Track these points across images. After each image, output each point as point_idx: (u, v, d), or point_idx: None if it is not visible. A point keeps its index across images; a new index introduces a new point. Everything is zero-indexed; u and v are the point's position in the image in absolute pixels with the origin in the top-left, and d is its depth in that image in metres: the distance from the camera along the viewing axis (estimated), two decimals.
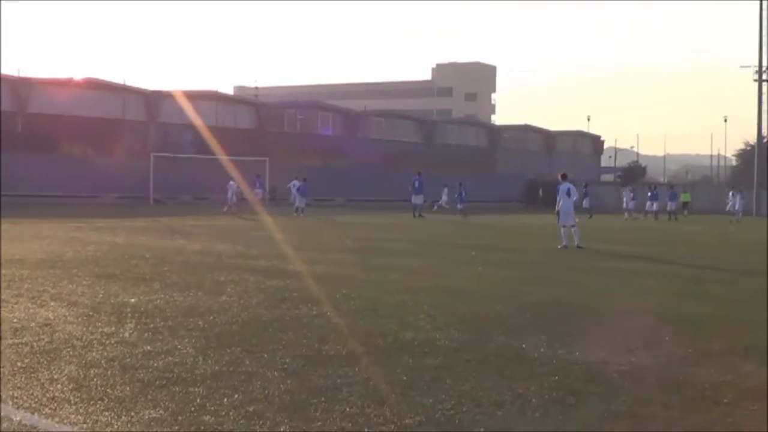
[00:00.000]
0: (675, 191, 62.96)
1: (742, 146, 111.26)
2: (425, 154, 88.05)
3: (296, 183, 52.39)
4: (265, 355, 9.25)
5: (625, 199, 61.43)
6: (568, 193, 27.32)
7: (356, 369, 8.70)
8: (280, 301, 13.43)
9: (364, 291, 14.85)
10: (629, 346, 10.12)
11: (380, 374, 8.49)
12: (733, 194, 60.40)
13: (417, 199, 51.49)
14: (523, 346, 10.03)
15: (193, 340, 10.02)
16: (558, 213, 27.41)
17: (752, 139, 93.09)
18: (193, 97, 73.29)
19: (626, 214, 59.19)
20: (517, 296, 14.89)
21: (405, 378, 8.36)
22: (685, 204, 65.00)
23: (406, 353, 9.51)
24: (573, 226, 27.12)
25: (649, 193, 61.31)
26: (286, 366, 8.77)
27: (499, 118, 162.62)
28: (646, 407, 7.53)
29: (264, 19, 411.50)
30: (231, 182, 53.42)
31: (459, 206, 55.59)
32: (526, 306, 13.64)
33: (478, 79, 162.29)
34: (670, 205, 59.75)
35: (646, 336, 10.95)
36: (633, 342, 10.42)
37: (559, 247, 26.53)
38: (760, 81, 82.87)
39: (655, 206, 59.81)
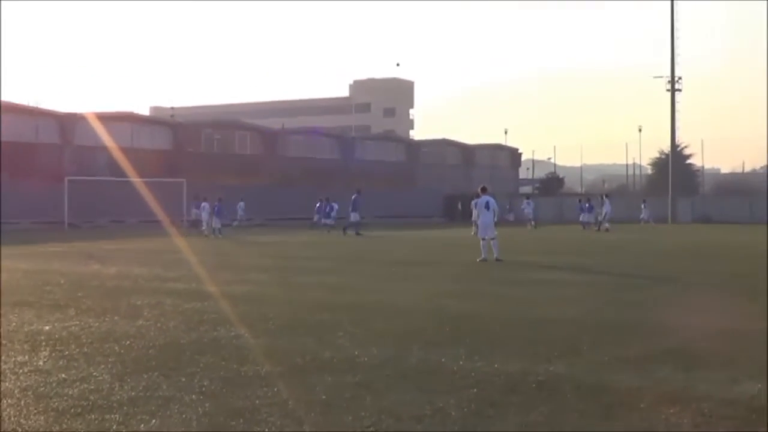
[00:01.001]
0: (610, 201, 63.66)
1: (657, 155, 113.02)
2: (344, 171, 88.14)
3: (206, 205, 52.04)
4: (183, 379, 9.18)
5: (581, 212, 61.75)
6: (487, 206, 27.55)
7: (275, 389, 8.66)
8: (198, 323, 13.34)
9: (283, 310, 14.80)
10: (548, 356, 10.23)
11: (299, 394, 8.46)
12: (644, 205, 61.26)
13: (354, 217, 51.56)
14: (443, 359, 10.08)
15: (110, 366, 9.90)
16: (476, 225, 27.36)
17: (666, 147, 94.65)
18: (108, 118, 72.52)
19: (584, 226, 59.76)
20: (437, 310, 14.95)
21: (324, 397, 8.35)
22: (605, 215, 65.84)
23: (326, 372, 9.49)
24: (493, 239, 27.24)
25: (587, 205, 61.67)
26: (204, 389, 8.71)
27: (417, 133, 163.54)
28: (564, 416, 7.62)
29: (179, 38, 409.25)
30: (204, 203, 52.75)
31: (326, 221, 56.69)
32: (445, 319, 13.70)
33: (396, 95, 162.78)
34: (607, 214, 60.27)
35: (564, 345, 11.06)
36: (552, 351, 10.53)
37: (478, 260, 26.69)
38: (673, 91, 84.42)
39: (586, 218, 60.32)
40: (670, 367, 9.59)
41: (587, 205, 61.81)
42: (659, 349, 10.75)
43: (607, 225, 56.30)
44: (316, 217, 61.29)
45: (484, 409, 7.83)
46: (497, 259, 26.61)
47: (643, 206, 66.83)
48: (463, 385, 8.75)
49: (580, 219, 60.74)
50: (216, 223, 49.15)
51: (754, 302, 16.01)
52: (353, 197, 52.23)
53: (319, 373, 9.41)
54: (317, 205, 60.11)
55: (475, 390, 8.54)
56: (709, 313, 14.53)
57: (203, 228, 50.76)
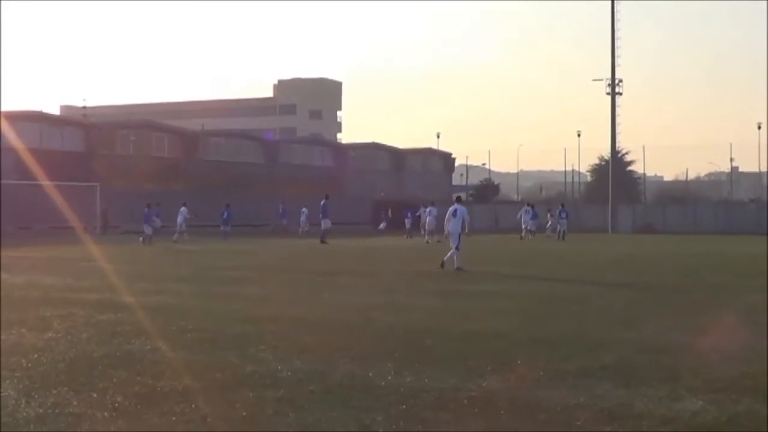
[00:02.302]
0: (566, 210, 64.21)
1: (597, 161, 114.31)
2: (268, 176, 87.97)
3: (184, 209, 53.33)
4: (95, 395, 9.09)
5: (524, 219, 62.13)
6: (454, 215, 28.59)
7: (193, 406, 8.61)
8: (112, 335, 13.23)
9: (203, 322, 14.73)
10: (481, 371, 10.29)
11: (219, 410, 8.43)
12: (560, 212, 61.82)
13: (326, 224, 51.55)
14: (370, 374, 10.10)
15: (16, 382, 9.77)
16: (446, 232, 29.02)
17: (607, 153, 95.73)
18: (15, 118, 71.61)
19: (526, 234, 60.17)
20: (366, 323, 14.98)
21: (245, 413, 8.32)
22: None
23: (247, 387, 9.46)
24: (457, 248, 27.96)
25: (530, 212, 62.07)
26: (117, 405, 8.64)
27: (345, 137, 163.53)
28: None
29: (92, 33, 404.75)
30: (183, 208, 53.55)
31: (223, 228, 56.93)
32: (374, 333, 13.74)
33: (323, 96, 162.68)
34: (562, 224, 60.82)
35: (498, 359, 11.13)
36: (485, 366, 10.59)
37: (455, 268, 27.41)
38: (613, 94, 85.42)
39: (530, 225, 60.76)
40: (608, 383, 9.69)
41: (531, 211, 62.31)
42: (597, 363, 10.86)
43: (552, 234, 57.17)
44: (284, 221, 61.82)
45: (413, 427, 7.85)
46: (457, 269, 27.38)
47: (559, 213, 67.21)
48: (391, 402, 8.77)
49: (527, 227, 61.23)
50: (147, 230, 48.77)
51: (695, 315, 16.26)
52: (322, 203, 52.25)
53: (240, 389, 9.37)
54: (280, 208, 61.03)
55: (403, 406, 8.56)
56: (650, 326, 14.70)
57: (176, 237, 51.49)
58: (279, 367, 10.54)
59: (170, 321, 14.82)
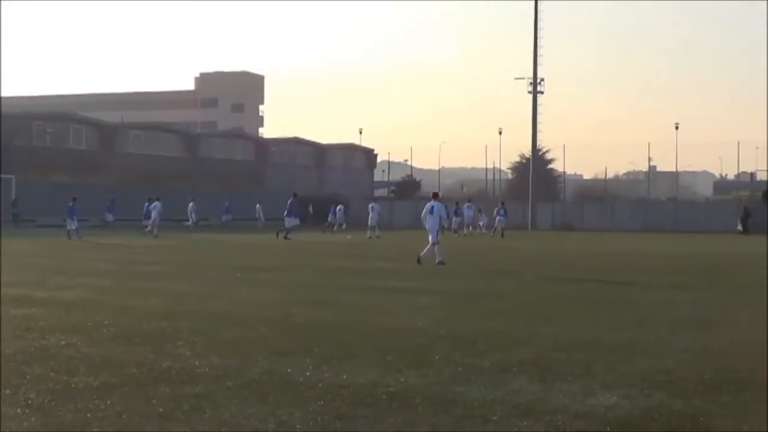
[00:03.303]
0: (505, 208, 64.59)
1: (518, 159, 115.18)
2: (189, 169, 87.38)
3: (158, 204, 54.11)
4: (7, 391, 8.96)
5: (467, 214, 62.45)
6: (431, 211, 29.66)
7: (108, 402, 8.53)
8: (25, 331, 13.05)
9: (120, 318, 14.60)
10: (399, 367, 10.34)
11: (135, 406, 8.37)
12: (499, 210, 62.40)
13: (290, 222, 51.01)
14: (289, 370, 10.10)
15: None
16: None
17: (527, 151, 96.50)
18: None
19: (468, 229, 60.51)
20: (285, 318, 14.96)
21: (161, 409, 8.27)
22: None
23: (163, 383, 9.41)
24: (437, 243, 29.00)
25: (454, 210, 62.35)
26: (30, 402, 8.53)
27: (267, 131, 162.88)
28: (414, 428, 7.72)
29: (7, 23, 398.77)
30: (156, 203, 54.49)
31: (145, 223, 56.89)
32: (293, 328, 13.74)
33: (245, 90, 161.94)
34: (500, 222, 61.28)
35: (417, 355, 11.19)
36: (403, 362, 10.64)
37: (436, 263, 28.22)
38: (534, 93, 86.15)
39: (454, 223, 61.08)
40: (524, 379, 9.79)
41: (455, 209, 62.67)
42: (514, 359, 10.96)
43: (481, 229, 57.64)
44: (224, 218, 61.62)
45: (330, 423, 7.87)
46: (438, 263, 28.31)
47: (481, 212, 67.64)
48: (309, 397, 8.77)
49: (450, 225, 61.60)
50: (71, 225, 48.18)
51: (611, 311, 16.47)
52: (290, 201, 51.82)
53: (156, 385, 9.32)
54: (226, 204, 61.01)
55: (321, 402, 8.57)
56: (567, 322, 14.86)
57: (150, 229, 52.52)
58: (196, 363, 10.50)
59: (87, 316, 14.67)
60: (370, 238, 51.31)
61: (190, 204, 63.67)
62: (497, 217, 61.52)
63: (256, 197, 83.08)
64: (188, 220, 63.39)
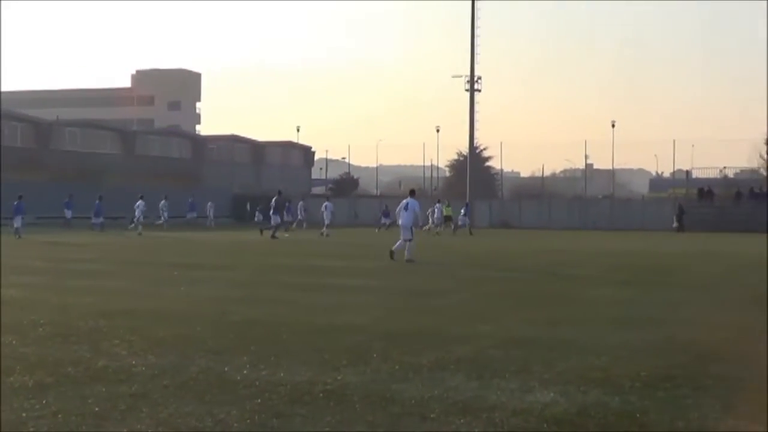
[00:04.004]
0: (469, 206, 64.59)
1: (455, 157, 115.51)
2: (125, 167, 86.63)
3: (141, 203, 54.02)
4: None
5: (437, 214, 62.53)
6: (406, 208, 30.14)
7: (44, 401, 8.45)
8: None
9: (55, 316, 14.47)
10: (336, 364, 10.34)
11: (71, 406, 8.29)
12: (463, 209, 62.86)
13: (275, 219, 50.60)
14: (226, 368, 10.07)
15: None
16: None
17: (465, 149, 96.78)
18: None
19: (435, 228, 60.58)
20: (222, 316, 14.89)
21: (97, 409, 8.20)
22: (447, 218, 66.67)
23: (100, 382, 9.33)
24: (408, 240, 29.47)
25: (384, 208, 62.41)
26: None
27: (204, 129, 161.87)
28: (351, 426, 7.73)
29: None
30: (140, 201, 54.43)
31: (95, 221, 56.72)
32: (230, 326, 13.68)
33: (181, 87, 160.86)
34: (464, 220, 61.52)
35: (354, 353, 11.19)
36: (341, 360, 10.64)
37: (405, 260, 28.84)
38: (472, 91, 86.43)
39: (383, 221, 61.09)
40: (462, 376, 9.82)
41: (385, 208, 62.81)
42: (452, 357, 11.00)
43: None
44: (188, 215, 61.35)
45: (267, 421, 7.85)
46: (407, 260, 28.75)
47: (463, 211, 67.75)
48: (246, 396, 8.75)
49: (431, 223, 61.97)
50: (17, 223, 47.61)
51: (548, 308, 16.58)
52: (274, 198, 51.45)
53: (92, 384, 9.24)
54: (190, 201, 60.64)
55: (259, 400, 8.54)
56: (505, 320, 14.93)
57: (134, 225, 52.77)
58: (133, 362, 10.43)
59: (21, 315, 14.53)
60: (324, 235, 51.31)
61: (162, 202, 62.94)
62: (460, 216, 61.94)
63: (197, 195, 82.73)
64: (160, 218, 62.61)
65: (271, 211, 50.84)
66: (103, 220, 56.99)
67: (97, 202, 57.63)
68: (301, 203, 66.48)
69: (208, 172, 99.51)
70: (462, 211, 63.11)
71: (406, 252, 29.27)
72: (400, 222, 30.53)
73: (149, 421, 7.77)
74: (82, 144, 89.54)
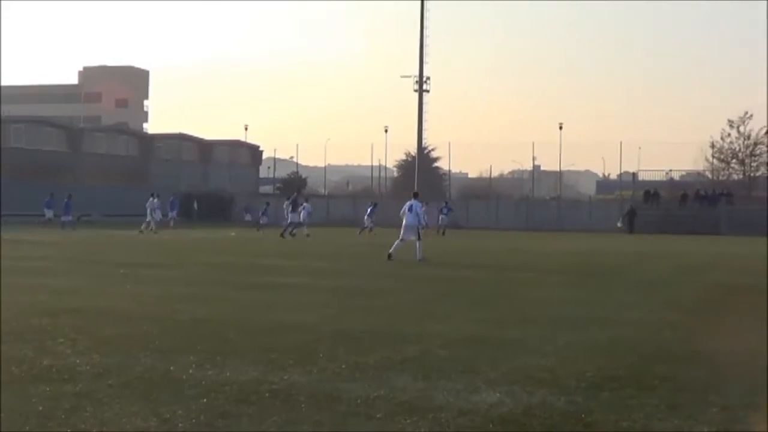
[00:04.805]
0: (450, 206, 64.71)
1: (404, 157, 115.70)
2: (71, 165, 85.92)
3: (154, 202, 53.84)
4: None
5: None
6: (410, 209, 31.16)
7: None
8: None
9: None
10: (283, 364, 10.31)
11: (14, 405, 8.20)
12: (442, 209, 63.24)
13: (293, 217, 50.73)
14: (171, 368, 10.01)
15: None
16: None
17: (413, 149, 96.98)
18: None
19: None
20: (169, 315, 14.82)
21: (41, 408, 8.12)
22: None
23: (44, 381, 9.24)
24: (418, 239, 30.58)
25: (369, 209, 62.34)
26: None
27: (152, 127, 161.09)
28: (297, 426, 7.71)
29: None
30: (155, 200, 54.52)
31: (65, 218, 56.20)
32: (177, 325, 13.62)
33: (129, 84, 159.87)
34: (443, 219, 61.72)
35: (301, 352, 11.16)
36: (287, 359, 10.61)
37: (389, 258, 29.75)
38: (420, 91, 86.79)
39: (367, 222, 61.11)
40: (408, 376, 9.83)
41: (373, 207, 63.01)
42: (398, 357, 11.01)
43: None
44: (170, 214, 60.99)
45: (213, 420, 7.81)
46: (420, 260, 29.35)
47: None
48: (192, 395, 8.70)
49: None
50: None
51: (495, 308, 16.65)
52: (291, 198, 51.51)
53: (36, 383, 9.14)
54: (171, 200, 60.58)
55: (204, 400, 8.50)
56: (452, 320, 14.97)
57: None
58: (77, 361, 10.34)
59: None
60: (308, 236, 51.14)
61: (155, 201, 61.94)
62: (440, 216, 62.23)
63: (140, 193, 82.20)
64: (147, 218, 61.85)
65: (290, 209, 50.80)
66: (71, 218, 56.43)
67: (66, 200, 57.09)
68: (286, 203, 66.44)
69: (156, 170, 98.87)
70: (443, 210, 63.40)
71: (417, 252, 29.90)
72: (404, 223, 31.22)
73: (93, 421, 7.71)
74: (28, 141, 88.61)
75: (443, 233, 59.31)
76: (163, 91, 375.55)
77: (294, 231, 49.96)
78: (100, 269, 24.83)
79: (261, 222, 66.31)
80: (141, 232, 51.18)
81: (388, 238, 46.43)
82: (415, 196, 32.86)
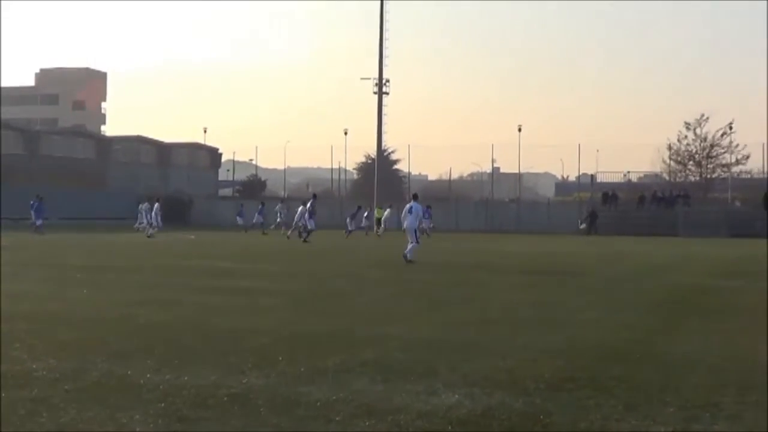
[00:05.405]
0: (429, 210, 64.94)
1: (363, 159, 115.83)
2: (28, 167, 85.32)
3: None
4: None
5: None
6: (410, 212, 31.46)
7: None
8: None
9: None
10: (242, 368, 10.28)
11: None
12: (424, 212, 63.25)
13: (311, 224, 50.14)
14: (129, 372, 9.95)
15: None
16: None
17: (373, 152, 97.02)
18: None
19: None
20: (126, 319, 14.73)
21: None
22: (378, 220, 66.52)
23: None
24: (416, 242, 30.80)
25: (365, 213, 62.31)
26: None
27: (109, 129, 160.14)
28: (256, 429, 7.69)
29: None
30: (156, 203, 54.80)
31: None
32: (134, 330, 13.54)
33: (87, 87, 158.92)
34: (426, 223, 61.72)
35: (259, 356, 11.13)
36: (246, 363, 10.58)
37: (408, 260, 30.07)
38: (380, 94, 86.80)
39: (352, 225, 61.10)
40: (367, 379, 9.83)
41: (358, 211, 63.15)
42: (357, 359, 11.00)
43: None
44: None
45: (171, 425, 7.78)
46: (408, 261, 29.87)
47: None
48: (149, 400, 8.65)
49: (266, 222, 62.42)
50: None
51: (454, 311, 16.69)
52: (310, 202, 50.76)
53: None
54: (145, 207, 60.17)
55: (162, 404, 8.46)
56: (411, 322, 14.98)
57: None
58: (33, 366, 10.25)
59: None
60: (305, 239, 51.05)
61: (156, 205, 61.39)
62: (423, 219, 62.19)
63: (97, 196, 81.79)
64: (141, 222, 61.28)
65: (307, 215, 50.39)
66: (41, 222, 56.03)
67: (38, 202, 56.69)
68: (279, 205, 66.49)
69: (113, 173, 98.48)
70: (425, 214, 63.36)
71: (408, 253, 30.33)
72: (404, 225, 31.60)
73: (50, 426, 7.66)
74: None
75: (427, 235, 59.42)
76: (121, 93, 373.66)
77: (307, 238, 49.54)
78: (57, 273, 24.63)
79: (255, 222, 65.89)
80: (137, 230, 51.02)
81: (342, 242, 46.48)
82: (415, 198, 33.24)
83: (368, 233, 63.69)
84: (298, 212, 53.23)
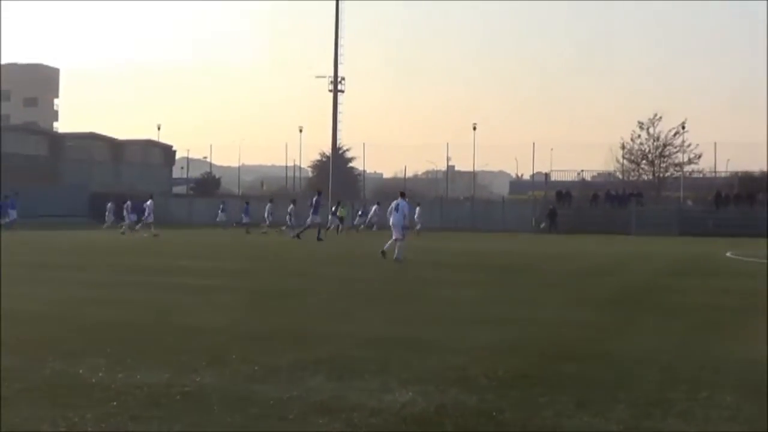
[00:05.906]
0: (414, 207, 64.97)
1: (318, 157, 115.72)
2: None
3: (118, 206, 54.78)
4: None
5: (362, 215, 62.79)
6: (396, 209, 31.76)
7: None
8: None
9: None
10: (195, 366, 10.24)
11: None
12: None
13: (314, 219, 50.38)
14: (81, 371, 9.89)
15: None
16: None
17: (328, 149, 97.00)
18: None
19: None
20: (77, 317, 14.67)
21: None
22: (341, 219, 66.49)
23: None
24: (400, 239, 30.85)
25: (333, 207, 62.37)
26: None
27: (62, 126, 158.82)
28: (209, 428, 7.68)
29: None
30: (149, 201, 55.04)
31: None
32: (86, 328, 13.47)
33: (39, 83, 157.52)
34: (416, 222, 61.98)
35: (212, 354, 11.09)
36: (199, 361, 10.54)
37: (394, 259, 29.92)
38: (335, 92, 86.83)
39: (292, 221, 60.95)
40: (321, 377, 9.82)
41: (246, 206, 62.82)
42: (311, 357, 10.99)
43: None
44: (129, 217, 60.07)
45: (123, 424, 7.74)
46: (396, 260, 29.65)
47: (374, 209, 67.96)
48: (102, 399, 8.60)
49: (243, 221, 62.09)
50: None
51: (407, 308, 16.73)
52: (314, 198, 51.05)
53: None
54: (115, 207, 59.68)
55: (115, 403, 8.42)
56: (365, 320, 15.00)
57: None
58: None
59: None
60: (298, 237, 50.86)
61: (127, 203, 60.79)
62: (415, 218, 62.48)
63: (49, 193, 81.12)
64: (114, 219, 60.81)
65: (311, 211, 50.51)
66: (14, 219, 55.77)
67: (11, 199, 56.33)
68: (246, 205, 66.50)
69: (66, 169, 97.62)
70: (416, 211, 63.53)
71: (395, 251, 30.20)
72: (390, 222, 31.65)
73: (2, 426, 7.60)
74: None
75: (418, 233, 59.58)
76: (74, 89, 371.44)
77: (320, 236, 49.82)
78: (5, 271, 24.41)
79: (242, 221, 65.45)
80: (128, 231, 50.85)
81: (299, 241, 46.41)
82: (402, 195, 33.60)
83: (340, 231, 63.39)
84: (289, 210, 53.65)
